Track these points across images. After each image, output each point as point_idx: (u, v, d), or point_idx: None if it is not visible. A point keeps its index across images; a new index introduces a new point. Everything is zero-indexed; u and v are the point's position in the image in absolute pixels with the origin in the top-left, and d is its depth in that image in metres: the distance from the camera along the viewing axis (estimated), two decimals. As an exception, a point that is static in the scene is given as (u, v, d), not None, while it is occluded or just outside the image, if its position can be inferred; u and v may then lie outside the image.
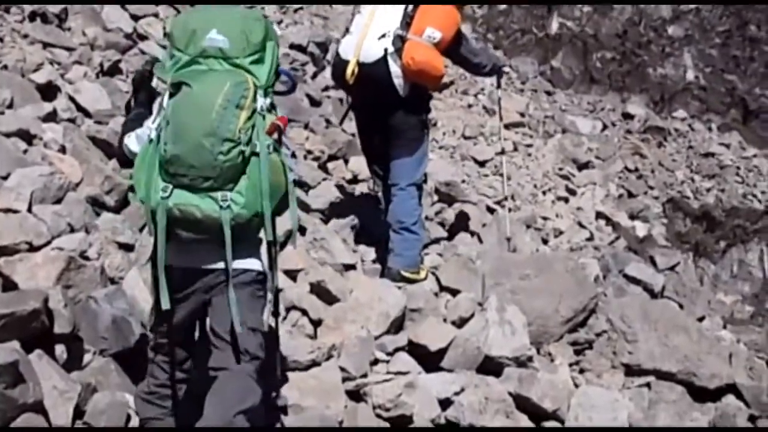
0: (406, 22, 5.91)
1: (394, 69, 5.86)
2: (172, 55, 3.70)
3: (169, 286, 3.56)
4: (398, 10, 5.95)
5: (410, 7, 5.95)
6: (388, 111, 6.04)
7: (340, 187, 7.36)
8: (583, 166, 12.24)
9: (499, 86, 7.99)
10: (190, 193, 3.51)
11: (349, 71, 5.91)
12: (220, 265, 3.60)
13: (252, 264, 3.72)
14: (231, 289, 3.57)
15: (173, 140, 3.48)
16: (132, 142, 3.79)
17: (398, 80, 5.89)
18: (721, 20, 20.38)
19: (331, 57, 6.33)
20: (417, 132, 6.16)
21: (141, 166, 3.60)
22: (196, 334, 3.96)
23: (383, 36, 5.88)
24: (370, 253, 6.44)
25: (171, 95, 3.61)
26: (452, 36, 6.06)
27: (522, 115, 13.14)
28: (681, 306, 7.61)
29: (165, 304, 3.55)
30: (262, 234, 3.71)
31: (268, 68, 3.68)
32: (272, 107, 3.69)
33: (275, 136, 3.60)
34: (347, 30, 6.18)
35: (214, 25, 3.63)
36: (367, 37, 5.91)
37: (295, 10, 12.40)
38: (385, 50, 5.86)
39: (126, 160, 3.88)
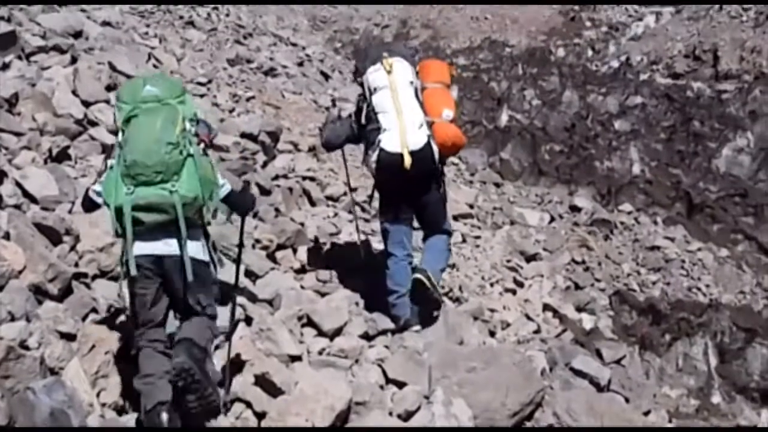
0: (423, 109, 7.12)
1: (434, 147, 7.05)
2: (120, 108, 5.04)
3: (137, 271, 4.84)
4: (414, 101, 7.12)
5: (417, 95, 7.17)
6: (426, 180, 7.20)
7: (287, 277, 7.33)
8: (531, 258, 12.32)
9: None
10: (147, 187, 4.78)
11: (407, 162, 6.95)
12: (175, 251, 4.88)
13: (196, 253, 4.97)
14: (187, 262, 4.87)
15: (131, 151, 4.80)
16: (94, 194, 5.10)
17: (436, 156, 7.10)
18: (666, 116, 20.93)
19: (371, 153, 7.15)
20: (444, 191, 7.43)
21: (109, 185, 4.85)
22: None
23: (421, 126, 7.04)
24: (317, 344, 6.38)
25: (123, 132, 4.95)
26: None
27: (471, 206, 13.27)
28: (627, 400, 7.62)
29: (132, 271, 4.80)
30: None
31: (189, 107, 5.13)
32: (196, 134, 5.07)
33: (202, 146, 5.05)
34: (378, 129, 7.08)
35: (147, 83, 5.10)
36: (408, 131, 7.01)
37: (248, 99, 12.51)
38: (428, 136, 7.02)
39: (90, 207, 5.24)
